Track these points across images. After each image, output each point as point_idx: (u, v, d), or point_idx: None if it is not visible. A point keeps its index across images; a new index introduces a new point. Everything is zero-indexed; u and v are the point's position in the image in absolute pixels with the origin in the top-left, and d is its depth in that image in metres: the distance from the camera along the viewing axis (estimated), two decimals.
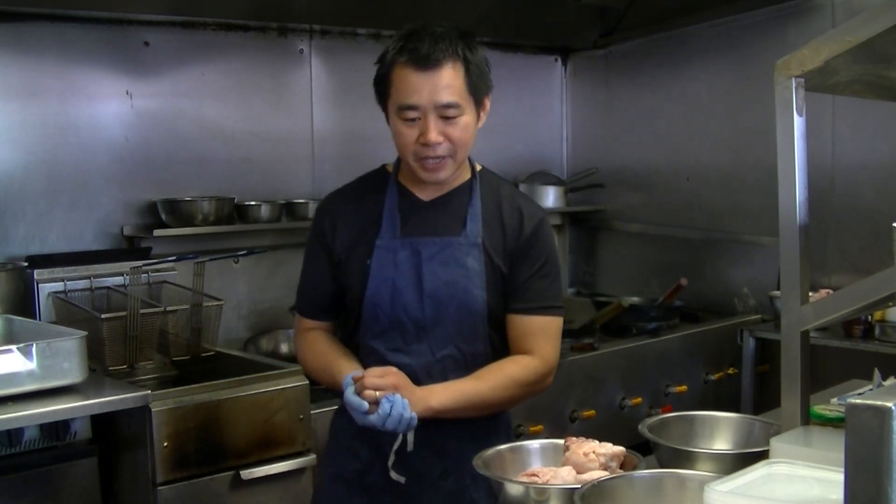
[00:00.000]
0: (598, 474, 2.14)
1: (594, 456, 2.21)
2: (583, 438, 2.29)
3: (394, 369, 2.44)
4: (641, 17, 5.36)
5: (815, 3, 4.66)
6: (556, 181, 5.64)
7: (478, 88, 2.53)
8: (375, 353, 2.57)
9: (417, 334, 2.56)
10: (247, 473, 3.30)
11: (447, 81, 2.44)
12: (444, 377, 2.53)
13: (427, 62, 2.42)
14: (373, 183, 2.67)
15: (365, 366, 2.52)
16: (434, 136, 2.44)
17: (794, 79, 2.06)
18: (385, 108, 2.53)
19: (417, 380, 2.49)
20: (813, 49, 2.02)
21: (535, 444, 2.39)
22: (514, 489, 2.13)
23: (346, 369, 2.49)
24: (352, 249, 2.59)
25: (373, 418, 2.33)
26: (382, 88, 2.51)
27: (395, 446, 2.50)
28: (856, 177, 4.59)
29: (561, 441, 2.34)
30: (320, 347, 2.66)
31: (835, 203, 4.59)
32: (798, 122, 2.07)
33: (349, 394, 2.37)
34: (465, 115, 2.48)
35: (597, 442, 2.26)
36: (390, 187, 2.62)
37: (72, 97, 4.02)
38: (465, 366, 2.57)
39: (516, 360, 2.63)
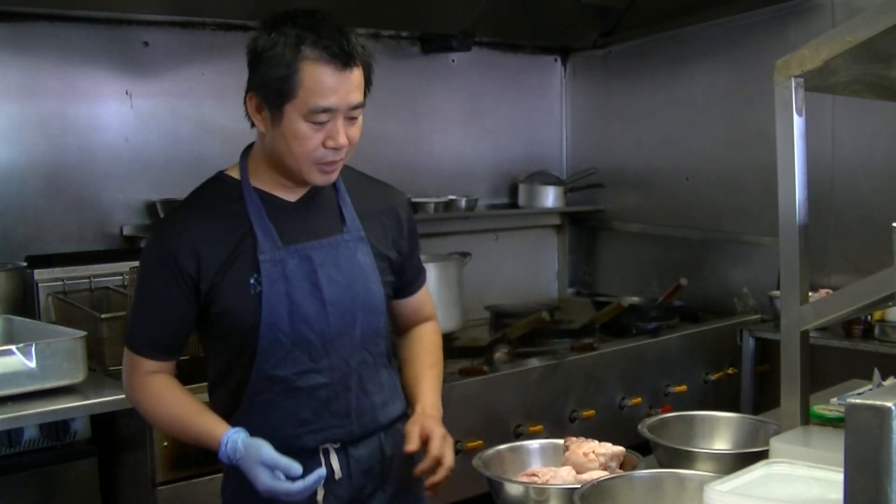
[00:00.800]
0: (597, 474, 2.14)
1: (594, 456, 2.22)
2: (582, 438, 2.30)
3: (415, 431, 2.33)
4: (641, 17, 5.36)
5: (814, 3, 4.66)
6: (555, 181, 5.63)
7: (369, 85, 2.30)
8: (282, 383, 2.30)
9: (325, 348, 2.32)
10: None
11: (357, 81, 2.22)
12: (361, 386, 2.38)
13: (347, 61, 2.18)
14: (219, 195, 2.34)
15: (268, 399, 2.32)
16: (344, 139, 2.23)
17: (793, 79, 2.06)
18: (277, 108, 2.21)
19: (338, 396, 2.35)
20: (813, 49, 2.03)
21: (534, 444, 2.40)
22: (513, 489, 2.13)
23: (219, 428, 2.27)
24: (224, 273, 2.26)
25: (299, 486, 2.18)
26: (284, 88, 2.18)
27: (322, 480, 2.26)
28: (856, 177, 4.59)
29: (561, 441, 2.34)
30: (172, 399, 2.36)
31: (835, 203, 4.59)
32: (798, 122, 2.08)
33: (303, 487, 2.18)
34: (361, 115, 2.28)
35: (596, 442, 2.27)
36: (247, 194, 2.31)
37: (71, 97, 4.02)
38: (376, 369, 2.44)
39: (428, 330, 2.65)
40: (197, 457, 3.25)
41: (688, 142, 5.31)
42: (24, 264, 3.74)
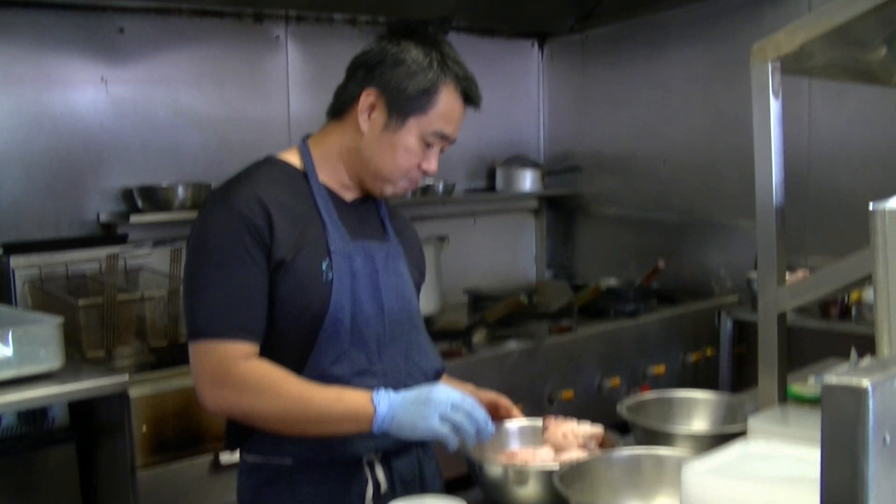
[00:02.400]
0: (576, 454, 2.15)
1: (572, 436, 2.22)
2: (561, 418, 2.30)
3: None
4: (618, 2, 5.36)
5: None
6: (533, 165, 5.63)
7: None
8: (338, 381, 2.14)
9: (380, 353, 2.23)
10: (226, 458, 3.30)
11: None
12: None
13: (473, 102, 2.28)
14: (283, 175, 2.25)
15: None
16: (436, 167, 2.26)
17: (770, 62, 2.07)
18: (401, 117, 2.20)
19: None
20: (789, 33, 2.03)
21: (513, 424, 2.40)
22: (492, 470, 2.13)
23: (363, 395, 2.07)
24: (297, 252, 2.14)
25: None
26: (420, 102, 2.19)
27: (370, 494, 2.24)
28: (832, 159, 4.61)
29: (539, 422, 2.34)
30: (295, 383, 2.09)
31: (811, 185, 4.61)
32: (774, 105, 2.08)
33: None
34: None
35: (575, 422, 2.27)
36: (315, 185, 2.25)
37: (46, 84, 3.99)
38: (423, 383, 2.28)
39: None
40: (176, 441, 3.26)
41: (665, 125, 5.32)
42: (0, 252, 3.72)
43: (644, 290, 4.84)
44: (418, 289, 2.46)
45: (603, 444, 2.26)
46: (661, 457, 2.07)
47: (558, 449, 2.21)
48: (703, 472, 1.30)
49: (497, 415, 2.37)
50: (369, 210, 2.36)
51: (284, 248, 2.12)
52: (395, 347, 2.27)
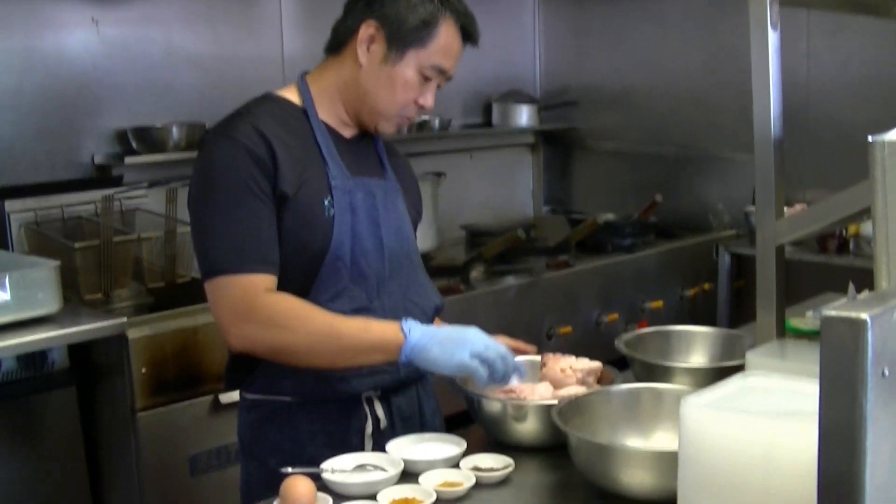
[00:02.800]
0: (574, 390, 2.16)
1: (571, 371, 2.23)
2: (559, 354, 2.30)
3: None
4: None
5: None
6: (529, 100, 5.61)
7: None
8: None
9: (379, 290, 2.24)
10: (226, 397, 3.31)
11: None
12: None
13: (472, 39, 2.30)
14: (283, 111, 2.24)
15: None
16: (433, 102, 2.26)
17: None
18: (400, 50, 2.19)
19: None
20: None
21: None
22: (491, 406, 2.14)
23: (391, 325, 2.09)
24: (299, 187, 2.14)
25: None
26: (420, 35, 2.18)
27: (369, 431, 2.27)
28: (831, 92, 4.59)
29: (538, 357, 2.35)
30: (322, 314, 2.10)
31: (810, 119, 4.59)
32: (772, 37, 2.07)
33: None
34: None
35: (573, 357, 2.28)
36: (315, 122, 2.24)
37: (36, 26, 3.94)
38: (429, 320, 2.34)
39: None
40: (175, 382, 3.27)
41: (662, 59, 5.28)
42: None
43: (642, 225, 4.84)
44: (415, 227, 2.46)
45: (601, 379, 2.27)
46: (660, 391, 2.08)
47: (557, 385, 2.21)
48: (702, 405, 1.30)
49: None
50: (367, 147, 2.37)
51: (287, 182, 2.12)
52: (394, 284, 2.28)
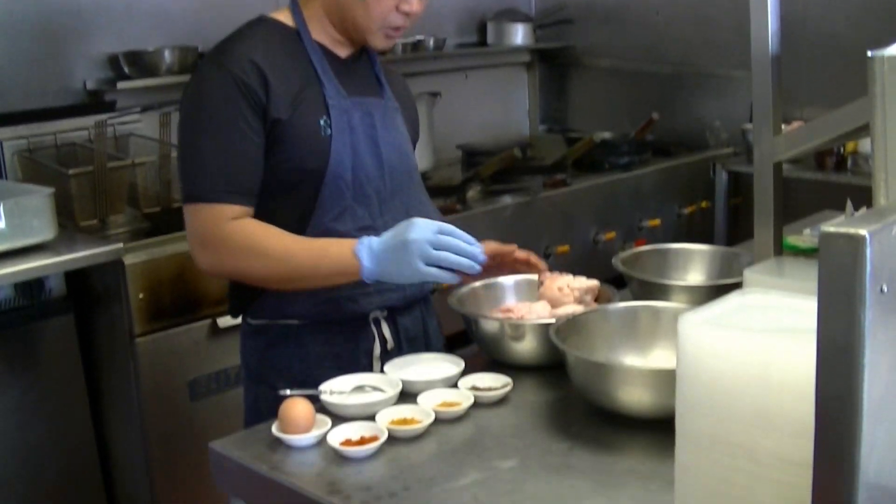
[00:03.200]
0: (572, 308, 2.16)
1: (568, 290, 2.23)
2: (557, 273, 2.31)
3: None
4: None
5: None
6: (524, 18, 5.55)
7: None
8: (342, 237, 2.15)
9: (381, 208, 2.26)
10: (224, 321, 3.32)
11: None
12: None
13: None
14: (277, 34, 2.24)
15: None
16: (418, 6, 2.22)
17: None
18: None
19: None
20: None
21: (509, 280, 2.41)
22: (489, 325, 2.15)
23: (346, 243, 2.08)
24: (293, 110, 2.15)
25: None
26: None
27: (377, 353, 2.29)
28: (829, 7, 4.54)
29: (535, 277, 2.35)
30: (280, 238, 2.11)
31: (807, 34, 4.55)
32: None
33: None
34: None
35: (571, 276, 2.28)
36: (308, 44, 2.24)
37: None
38: None
39: None
40: (173, 307, 3.28)
41: None
42: None
43: (638, 143, 4.82)
44: (413, 147, 2.46)
45: (599, 297, 2.27)
46: (658, 309, 2.08)
47: (554, 303, 2.22)
48: (699, 323, 1.30)
49: (525, 270, 2.39)
50: (364, 67, 2.37)
51: (281, 107, 2.13)
52: (396, 203, 2.30)
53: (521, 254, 2.37)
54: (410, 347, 2.32)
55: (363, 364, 2.23)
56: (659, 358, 2.01)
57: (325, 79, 2.21)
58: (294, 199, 2.18)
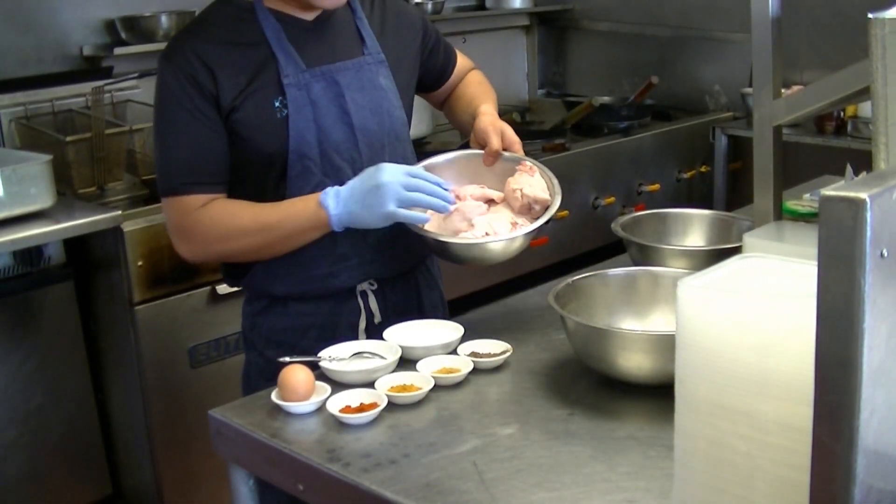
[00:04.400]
0: (487, 225, 2.15)
1: (519, 195, 2.20)
2: (530, 165, 2.28)
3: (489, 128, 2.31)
4: None
5: None
6: None
7: None
8: None
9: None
10: (223, 288, 3.32)
11: None
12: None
13: None
14: (229, 17, 2.18)
15: None
16: None
17: None
18: None
19: (366, 234, 2.20)
20: None
21: (440, 158, 2.38)
22: (454, 248, 2.14)
23: (311, 199, 2.10)
24: (246, 97, 2.12)
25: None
26: None
27: (362, 326, 2.28)
28: None
29: (471, 151, 2.35)
30: (247, 209, 2.14)
31: None
32: None
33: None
34: None
35: (538, 178, 2.24)
36: (262, 15, 2.17)
37: None
38: None
39: (473, 73, 2.72)
40: (172, 274, 3.28)
41: None
42: None
43: (638, 107, 4.80)
44: (429, 59, 2.49)
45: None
46: (657, 274, 2.08)
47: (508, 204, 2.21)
48: (699, 287, 1.30)
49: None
50: (341, 24, 2.28)
51: (230, 95, 2.11)
52: None
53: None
54: (400, 321, 2.24)
55: (347, 337, 2.19)
56: (658, 323, 2.01)
57: (281, 54, 2.15)
58: (264, 182, 2.19)
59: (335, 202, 2.06)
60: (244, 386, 2.32)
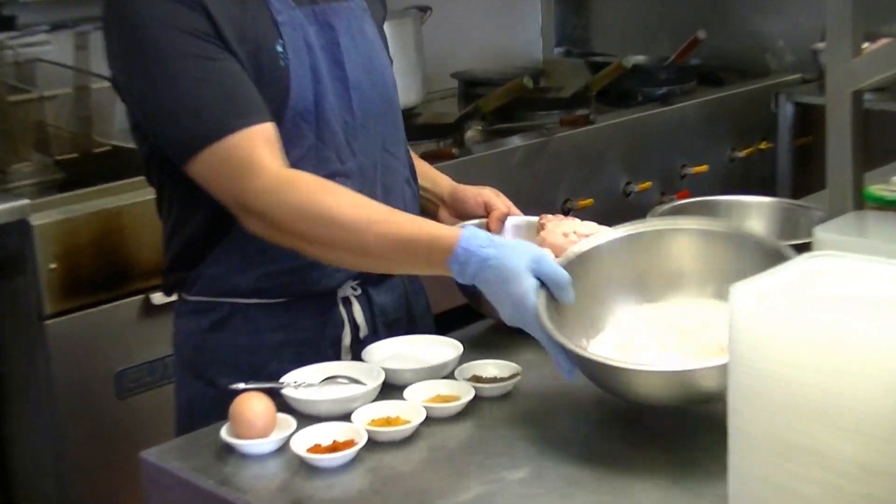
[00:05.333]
0: None
1: (576, 237, 2.21)
2: (560, 216, 2.30)
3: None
4: None
5: None
6: None
7: None
8: None
9: (350, 146, 2.22)
10: (160, 297, 3.32)
11: None
12: (385, 200, 2.16)
13: None
14: None
15: None
16: None
17: None
18: None
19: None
20: None
21: (508, 223, 2.43)
22: None
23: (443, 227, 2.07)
24: (244, 37, 2.08)
25: None
26: None
27: (347, 342, 2.29)
28: None
29: (535, 219, 2.35)
30: (362, 200, 2.06)
31: None
32: None
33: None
34: None
35: (577, 221, 2.26)
36: None
37: None
38: (400, 180, 2.35)
39: None
40: (95, 280, 3.26)
41: None
42: None
43: (680, 69, 4.82)
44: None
45: None
46: (663, 231, 2.09)
47: (557, 252, 2.21)
48: (757, 294, 1.30)
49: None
50: None
51: (229, 37, 2.06)
52: (369, 136, 2.27)
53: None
54: (389, 335, 2.26)
55: (329, 356, 2.20)
56: (673, 310, 2.02)
57: None
58: None
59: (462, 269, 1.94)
60: (183, 427, 2.27)
